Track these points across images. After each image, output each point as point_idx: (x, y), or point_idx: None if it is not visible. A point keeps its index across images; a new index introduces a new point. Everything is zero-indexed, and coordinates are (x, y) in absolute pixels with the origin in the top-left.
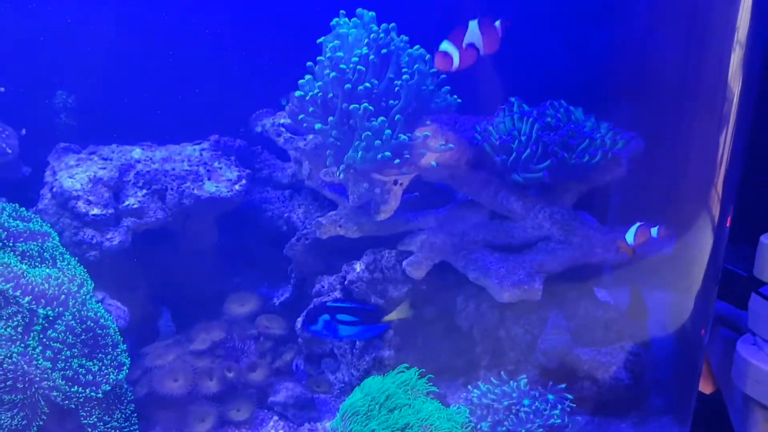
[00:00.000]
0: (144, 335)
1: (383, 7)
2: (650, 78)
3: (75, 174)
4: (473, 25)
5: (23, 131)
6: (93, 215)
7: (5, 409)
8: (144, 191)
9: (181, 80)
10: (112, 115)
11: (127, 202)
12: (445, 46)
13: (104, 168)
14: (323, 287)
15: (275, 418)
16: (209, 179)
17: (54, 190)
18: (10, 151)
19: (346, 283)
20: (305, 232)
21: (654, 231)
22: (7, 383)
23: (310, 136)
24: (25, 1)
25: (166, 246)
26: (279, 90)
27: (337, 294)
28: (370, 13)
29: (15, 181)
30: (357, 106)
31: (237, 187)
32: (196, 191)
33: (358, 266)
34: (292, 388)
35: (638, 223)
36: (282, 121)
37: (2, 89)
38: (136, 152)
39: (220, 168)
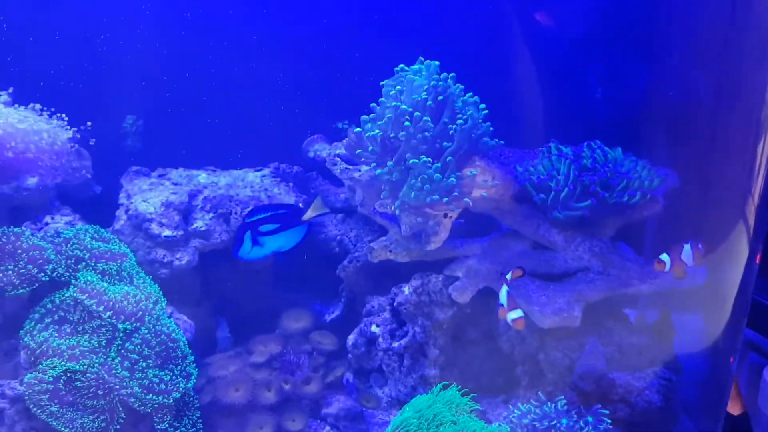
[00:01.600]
0: (205, 346)
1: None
2: (685, 116)
3: (149, 198)
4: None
5: (89, 124)
6: (165, 236)
7: (87, 413)
8: (210, 215)
9: (239, 107)
10: (175, 139)
11: (195, 225)
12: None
13: (175, 193)
14: (373, 307)
15: (327, 428)
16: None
17: (129, 212)
18: (89, 175)
19: (395, 304)
20: (357, 255)
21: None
22: (90, 390)
23: (365, 168)
24: (98, 29)
25: (227, 265)
26: (329, 117)
27: (387, 315)
28: (435, 63)
29: (88, 199)
30: (417, 161)
31: None
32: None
33: (407, 289)
34: (343, 401)
35: (687, 244)
36: (338, 151)
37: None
38: (202, 177)
39: (280, 194)
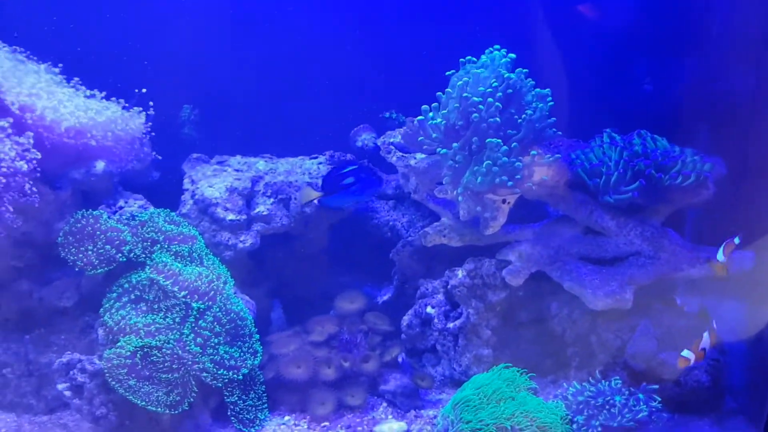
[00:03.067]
0: (261, 326)
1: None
2: (730, 106)
3: (214, 184)
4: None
5: (150, 105)
6: (229, 220)
7: (162, 386)
8: (272, 200)
9: (288, 98)
10: (227, 128)
11: (257, 210)
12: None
13: (238, 179)
14: (427, 290)
15: (384, 404)
16: None
17: (195, 197)
18: (159, 157)
19: (449, 287)
20: (410, 240)
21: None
22: (165, 364)
23: (420, 155)
24: (157, 23)
25: (284, 248)
26: (373, 107)
27: (441, 297)
28: (505, 58)
29: (147, 184)
30: (492, 140)
31: None
32: (316, 201)
33: (460, 272)
34: (399, 378)
35: (726, 242)
36: (392, 140)
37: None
38: (260, 164)
39: None
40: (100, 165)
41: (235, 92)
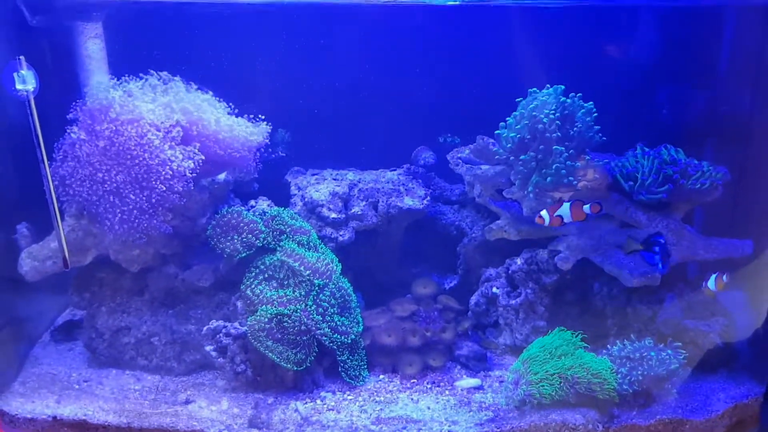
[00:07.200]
0: None
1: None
2: (731, 126)
3: (319, 189)
4: (566, 205)
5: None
6: (332, 218)
7: (292, 347)
8: (364, 203)
9: (363, 123)
10: (312, 147)
11: (353, 210)
12: (543, 212)
13: (338, 186)
14: (491, 275)
15: (458, 366)
16: (407, 195)
17: (305, 200)
18: (256, 176)
19: (509, 272)
20: (474, 236)
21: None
22: (295, 329)
23: (485, 166)
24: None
25: (367, 242)
26: (427, 130)
27: (503, 280)
28: (561, 87)
29: (248, 193)
30: (558, 147)
31: (425, 201)
32: (399, 204)
33: (519, 260)
34: (471, 345)
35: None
36: (459, 155)
37: None
38: (350, 175)
39: (414, 188)
40: (221, 175)
41: (319, 117)
